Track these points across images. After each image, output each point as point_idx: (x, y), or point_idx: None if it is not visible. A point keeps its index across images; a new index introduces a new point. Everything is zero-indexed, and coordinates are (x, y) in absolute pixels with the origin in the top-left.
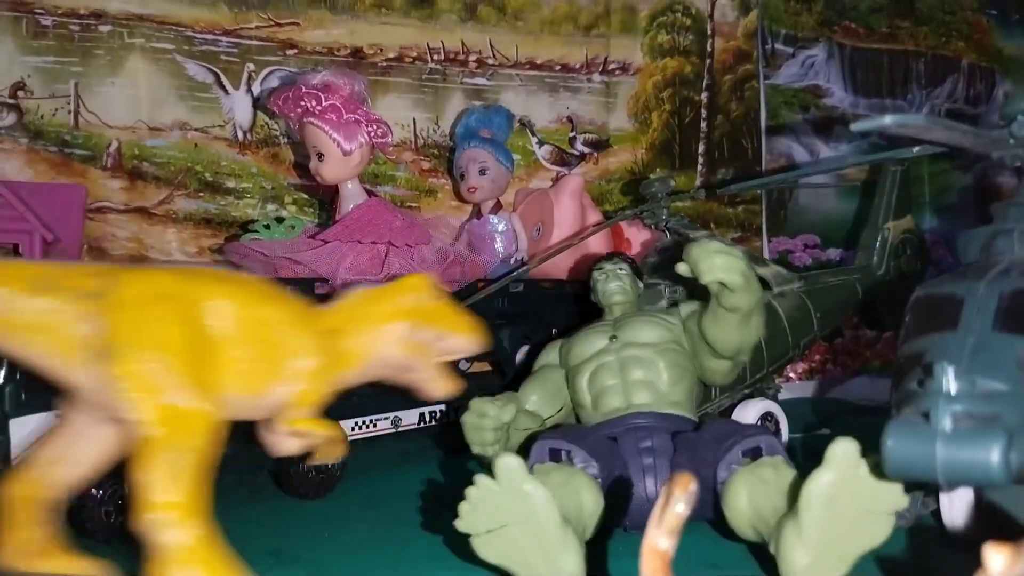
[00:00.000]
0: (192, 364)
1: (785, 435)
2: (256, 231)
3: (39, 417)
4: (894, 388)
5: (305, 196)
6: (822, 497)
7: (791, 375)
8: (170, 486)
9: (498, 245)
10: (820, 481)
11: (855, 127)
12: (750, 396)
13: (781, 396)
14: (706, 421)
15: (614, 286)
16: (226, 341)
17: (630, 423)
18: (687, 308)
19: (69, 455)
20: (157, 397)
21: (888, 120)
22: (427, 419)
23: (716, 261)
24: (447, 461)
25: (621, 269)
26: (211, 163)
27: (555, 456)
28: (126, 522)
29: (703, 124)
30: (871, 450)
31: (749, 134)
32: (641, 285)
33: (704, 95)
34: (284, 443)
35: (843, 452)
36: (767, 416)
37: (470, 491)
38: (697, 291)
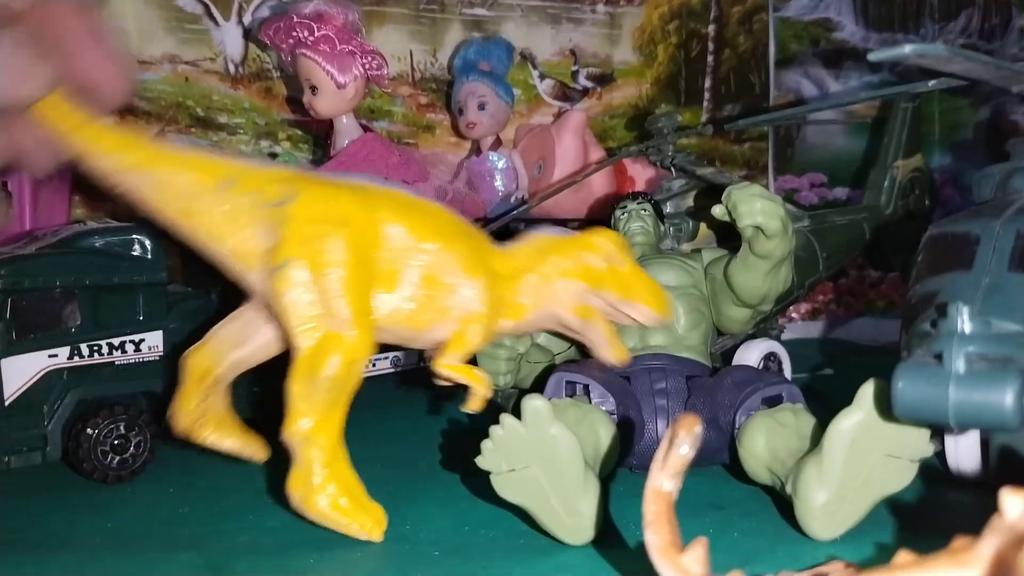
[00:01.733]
0: (355, 292)
1: (788, 376)
2: None
3: (31, 357)
4: (905, 328)
5: (299, 132)
6: (848, 436)
7: (794, 315)
8: (311, 405)
9: (498, 183)
10: (848, 420)
11: (873, 56)
12: (753, 336)
13: (784, 336)
14: (723, 368)
15: (636, 226)
16: (395, 272)
17: (645, 363)
18: (710, 254)
19: (243, 340)
20: (314, 321)
21: (908, 49)
22: (427, 359)
23: (756, 205)
24: (443, 403)
25: (644, 209)
26: (202, 98)
27: (570, 390)
28: (123, 463)
29: (710, 58)
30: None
31: (757, 69)
32: (663, 227)
33: (711, 27)
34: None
35: (873, 393)
36: (770, 356)
37: (495, 430)
38: (727, 236)
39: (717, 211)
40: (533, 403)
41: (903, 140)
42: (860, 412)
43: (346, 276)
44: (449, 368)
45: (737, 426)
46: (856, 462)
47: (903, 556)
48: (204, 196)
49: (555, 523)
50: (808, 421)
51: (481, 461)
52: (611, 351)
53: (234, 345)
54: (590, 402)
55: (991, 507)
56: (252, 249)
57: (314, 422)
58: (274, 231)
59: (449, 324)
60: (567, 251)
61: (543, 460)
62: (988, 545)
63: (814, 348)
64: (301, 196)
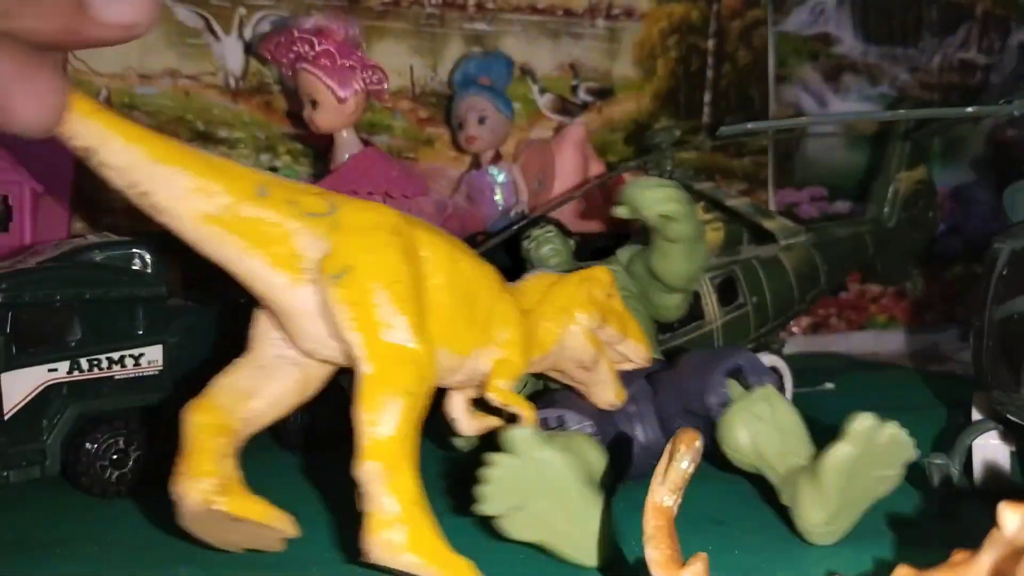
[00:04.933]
0: (414, 304)
1: (789, 390)
2: None
3: (30, 371)
4: (992, 347)
5: (299, 146)
6: (842, 468)
7: (795, 329)
8: (384, 426)
9: (498, 197)
10: (839, 455)
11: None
12: (755, 351)
13: (785, 350)
14: (678, 356)
15: (547, 250)
16: (439, 290)
17: None
18: (624, 253)
19: (259, 390)
20: (379, 331)
21: None
22: None
23: (654, 194)
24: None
25: (549, 232)
26: (203, 112)
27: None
28: (122, 478)
29: (709, 72)
30: (878, 408)
31: (757, 83)
32: (571, 241)
33: (711, 42)
34: (467, 423)
35: (862, 428)
36: (771, 370)
37: (486, 472)
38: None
39: (620, 212)
40: (516, 432)
41: (906, 150)
42: (849, 447)
43: (409, 285)
44: (501, 393)
45: (710, 408)
46: (852, 484)
47: (903, 570)
48: (238, 203)
49: (573, 548)
50: (783, 409)
51: (481, 507)
52: (613, 391)
53: (253, 396)
54: None
55: (989, 521)
56: (295, 260)
57: (391, 451)
58: (323, 240)
59: (491, 351)
60: (574, 283)
61: (541, 488)
62: (986, 558)
63: (815, 362)
64: (345, 206)
